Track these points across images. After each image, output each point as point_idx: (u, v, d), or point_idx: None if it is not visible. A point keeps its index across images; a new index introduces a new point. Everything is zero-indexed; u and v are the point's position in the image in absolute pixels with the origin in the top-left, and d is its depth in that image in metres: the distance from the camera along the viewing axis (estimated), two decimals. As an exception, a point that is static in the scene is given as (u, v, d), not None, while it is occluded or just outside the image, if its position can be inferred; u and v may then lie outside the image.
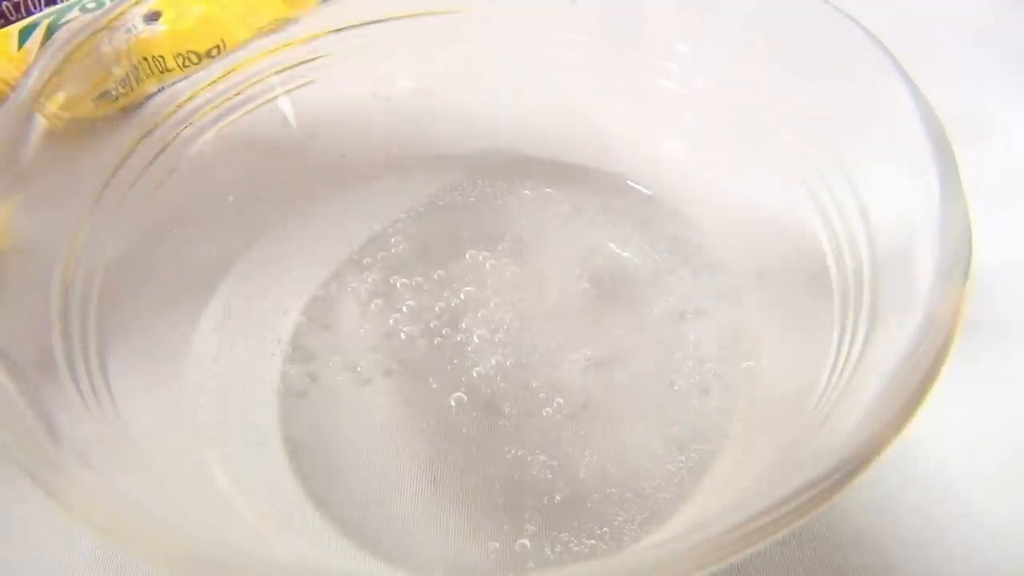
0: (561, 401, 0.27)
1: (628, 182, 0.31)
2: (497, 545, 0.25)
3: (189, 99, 0.27)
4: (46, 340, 0.21)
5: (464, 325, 0.29)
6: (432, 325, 0.29)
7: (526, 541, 0.25)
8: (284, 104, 0.30)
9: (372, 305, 0.30)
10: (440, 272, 0.31)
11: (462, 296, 0.30)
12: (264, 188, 0.30)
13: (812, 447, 0.18)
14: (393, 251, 0.31)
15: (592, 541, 0.25)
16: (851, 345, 0.21)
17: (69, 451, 0.18)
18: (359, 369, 0.28)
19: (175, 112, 0.27)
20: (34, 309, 0.22)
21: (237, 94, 0.29)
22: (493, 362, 0.28)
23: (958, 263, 0.18)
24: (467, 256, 0.31)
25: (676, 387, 0.28)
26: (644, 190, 0.31)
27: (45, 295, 0.22)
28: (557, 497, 0.25)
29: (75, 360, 0.21)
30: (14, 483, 0.25)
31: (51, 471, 0.17)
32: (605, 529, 0.25)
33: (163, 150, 0.27)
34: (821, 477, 0.16)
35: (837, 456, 0.16)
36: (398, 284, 0.30)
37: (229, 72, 0.28)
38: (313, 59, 0.29)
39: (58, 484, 0.17)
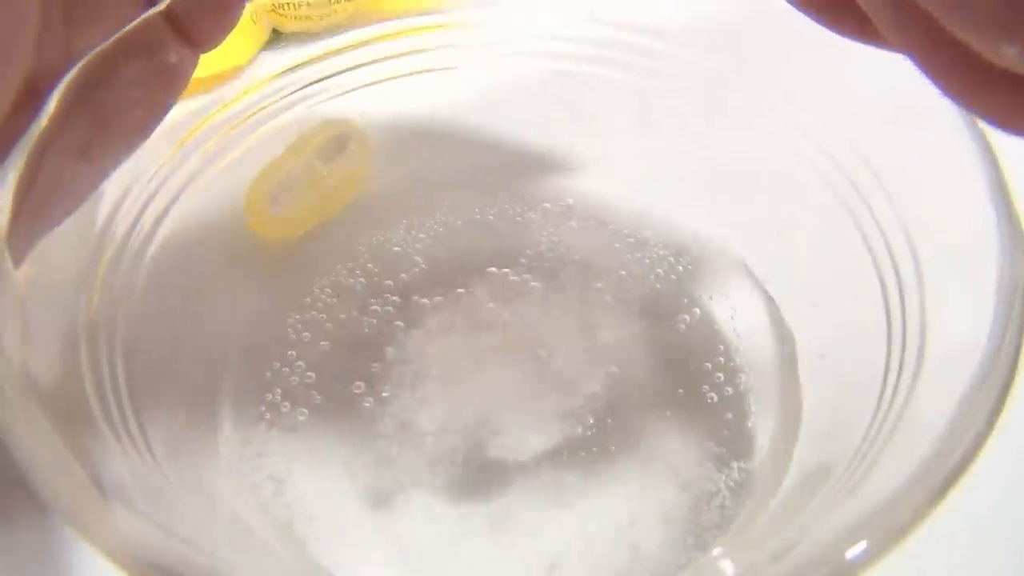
0: (590, 419, 0.27)
1: (647, 192, 0.30)
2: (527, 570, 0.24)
3: (203, 122, 0.27)
4: (77, 379, 0.21)
5: (490, 340, 0.29)
6: (457, 342, 0.29)
7: (553, 566, 0.24)
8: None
9: (395, 323, 0.29)
10: (461, 290, 0.30)
11: (486, 311, 0.30)
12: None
13: (867, 478, 0.18)
14: (414, 269, 0.31)
15: (623, 563, 0.24)
16: (900, 370, 0.20)
17: (111, 494, 0.17)
18: (387, 388, 0.28)
19: (195, 133, 0.27)
20: (62, 347, 0.21)
21: (252, 115, 0.28)
22: (517, 377, 0.28)
23: (1018, 287, 0.18)
24: (487, 273, 0.31)
25: (710, 399, 0.27)
26: (666, 202, 0.30)
27: (72, 331, 0.22)
28: (588, 516, 0.25)
29: (107, 398, 0.21)
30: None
31: (94, 515, 0.17)
32: (643, 553, 0.24)
33: (179, 166, 0.26)
34: (882, 515, 0.16)
35: (904, 489, 0.16)
36: (419, 302, 0.30)
37: (244, 93, 0.28)
38: (329, 76, 0.29)
39: (101, 528, 0.17)
